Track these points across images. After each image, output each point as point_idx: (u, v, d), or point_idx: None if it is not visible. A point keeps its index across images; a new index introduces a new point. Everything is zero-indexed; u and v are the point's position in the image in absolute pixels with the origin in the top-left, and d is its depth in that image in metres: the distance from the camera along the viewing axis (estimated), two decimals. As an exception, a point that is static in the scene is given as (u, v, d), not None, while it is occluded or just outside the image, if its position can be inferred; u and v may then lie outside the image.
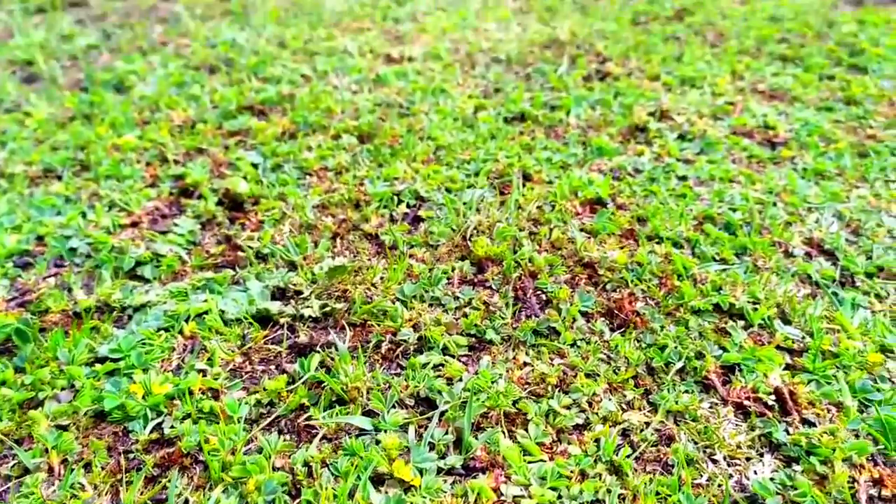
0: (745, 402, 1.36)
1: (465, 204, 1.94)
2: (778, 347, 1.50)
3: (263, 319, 1.56)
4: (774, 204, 2.01)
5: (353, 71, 2.79)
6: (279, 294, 1.64)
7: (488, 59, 2.93)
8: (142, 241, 1.82)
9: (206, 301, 1.57)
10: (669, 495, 1.16)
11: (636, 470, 1.21)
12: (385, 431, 1.26)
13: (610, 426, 1.29)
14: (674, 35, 3.17)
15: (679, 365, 1.43)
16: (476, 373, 1.40)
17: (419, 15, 3.39)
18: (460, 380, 1.38)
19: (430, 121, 2.40)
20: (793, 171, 2.18)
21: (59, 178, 2.14)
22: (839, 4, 3.64)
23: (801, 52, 3.01)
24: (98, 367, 1.42)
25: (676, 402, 1.33)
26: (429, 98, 2.58)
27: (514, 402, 1.32)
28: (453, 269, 1.69)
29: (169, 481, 1.18)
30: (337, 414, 1.30)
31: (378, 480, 1.18)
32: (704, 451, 1.26)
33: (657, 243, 1.81)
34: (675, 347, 1.47)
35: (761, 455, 1.27)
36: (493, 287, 1.65)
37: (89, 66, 2.87)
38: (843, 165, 2.23)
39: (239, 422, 1.29)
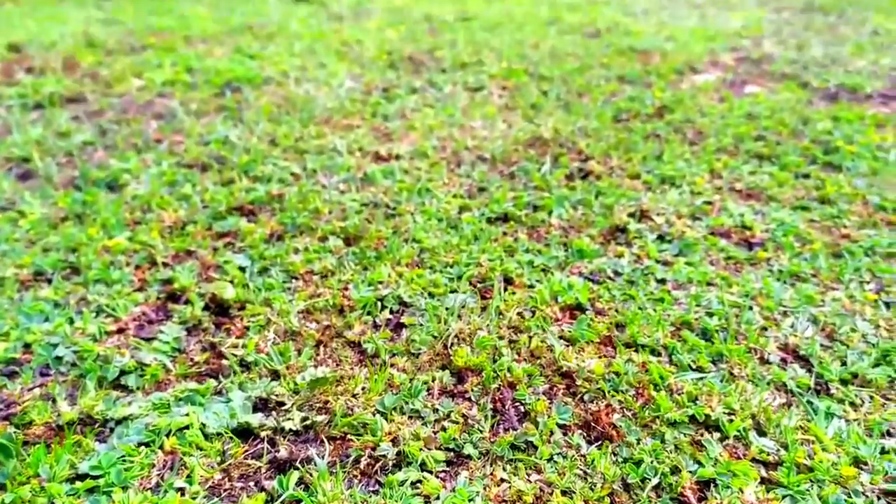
0: (720, 522, 1.37)
1: (447, 310, 1.98)
2: (753, 461, 1.51)
3: (244, 433, 1.57)
4: (750, 308, 2.05)
5: (342, 169, 2.87)
6: (261, 405, 1.66)
7: (474, 157, 3.01)
8: (127, 350, 1.84)
9: (187, 415, 1.59)
10: None
11: None
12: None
13: (585, 549, 1.30)
14: (654, 132, 3.27)
15: (655, 481, 1.44)
16: (453, 489, 1.41)
17: (408, 111, 3.50)
18: (437, 498, 1.39)
19: (415, 222, 2.46)
20: (769, 274, 2.24)
21: (49, 281, 2.17)
22: (814, 100, 3.77)
23: (777, 149, 3.10)
24: (79, 484, 1.42)
25: (651, 523, 1.34)
26: (414, 198, 2.64)
27: (490, 524, 1.33)
28: (433, 380, 1.71)
29: None
30: (313, 536, 1.30)
31: None
32: (679, 576, 1.27)
33: (635, 351, 1.84)
34: (651, 462, 1.48)
35: (735, 579, 1.27)
36: (473, 398, 1.67)
37: (84, 164, 2.95)
38: (818, 266, 2.29)
39: (215, 545, 1.29)
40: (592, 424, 1.58)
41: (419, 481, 1.43)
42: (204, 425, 1.57)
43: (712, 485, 1.45)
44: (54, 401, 1.67)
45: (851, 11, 5.43)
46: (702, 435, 1.57)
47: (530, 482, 1.43)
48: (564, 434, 1.57)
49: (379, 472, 1.46)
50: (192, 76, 3.97)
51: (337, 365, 1.78)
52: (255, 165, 2.90)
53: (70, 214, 2.55)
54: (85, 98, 3.69)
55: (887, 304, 2.13)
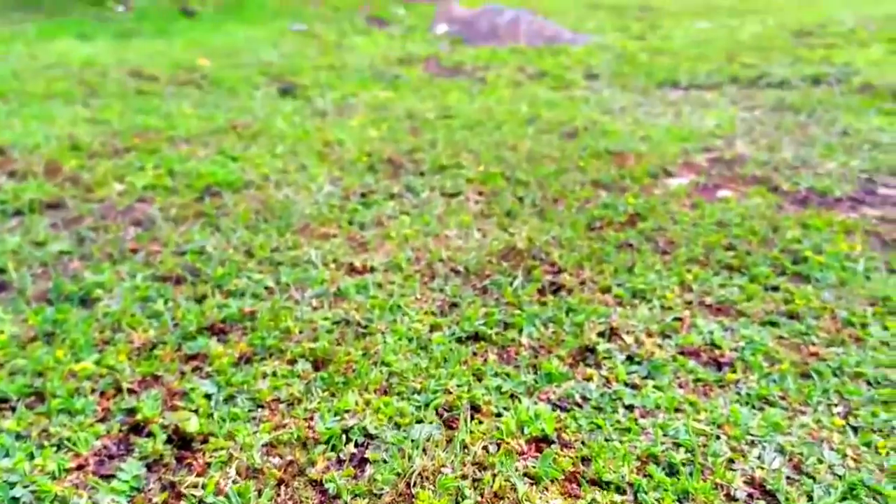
0: None
1: (412, 442, 1.96)
2: None
3: (198, 587, 1.54)
4: (717, 437, 2.05)
5: (315, 283, 2.88)
6: (217, 553, 1.63)
7: (448, 270, 3.04)
8: (84, 491, 1.81)
9: (140, 568, 1.56)
10: None
11: None
12: None
13: None
14: (627, 242, 3.32)
15: None
16: None
17: (384, 218, 3.55)
18: None
19: (386, 342, 2.47)
20: (737, 398, 2.24)
21: (13, 409, 2.15)
22: (784, 205, 3.84)
23: (747, 260, 3.15)
24: None
25: None
26: (386, 315, 2.66)
27: None
28: (394, 525, 1.69)
29: None
30: None
31: None
32: None
33: (600, 489, 1.83)
34: None
35: None
36: (433, 547, 1.64)
37: (58, 277, 2.95)
38: (787, 388, 2.30)
39: None
40: (554, 576, 1.56)
41: None
42: (156, 580, 1.53)
43: None
44: (5, 550, 1.64)
45: (821, 110, 5.60)
46: (665, 587, 1.55)
47: None
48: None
49: None
50: (174, 179, 4.02)
51: (297, 507, 1.75)
52: (229, 279, 2.91)
53: (40, 334, 2.54)
54: (65, 204, 3.72)
55: (854, 429, 2.13)
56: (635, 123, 5.33)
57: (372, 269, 3.04)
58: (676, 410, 2.17)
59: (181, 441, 2.00)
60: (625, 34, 9.43)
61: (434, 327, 2.59)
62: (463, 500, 1.76)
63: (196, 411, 2.11)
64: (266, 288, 2.87)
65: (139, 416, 2.08)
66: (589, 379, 2.31)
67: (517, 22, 8.54)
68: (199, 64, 7.00)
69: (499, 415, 2.12)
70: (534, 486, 1.82)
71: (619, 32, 9.57)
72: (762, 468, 1.93)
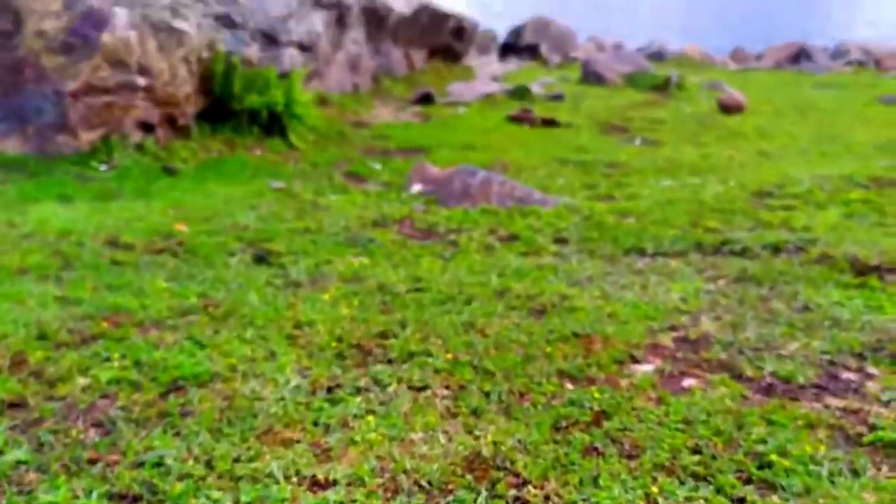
0: None
1: None
2: None
3: None
4: None
5: (275, 503, 2.83)
6: None
7: (411, 483, 3.00)
8: None
9: None
10: None
11: None
12: None
13: None
14: (592, 445, 3.31)
15: None
16: None
17: (350, 418, 3.52)
18: None
19: (343, 581, 2.40)
20: None
21: None
22: (749, 395, 3.88)
23: (713, 465, 3.14)
24: None
25: None
26: (346, 543, 2.60)
27: None
28: None
29: None
30: None
31: None
32: None
33: None
34: None
35: None
36: None
37: (11, 497, 2.88)
38: None
39: None
40: None
41: None
42: None
43: None
44: None
45: (782, 282, 5.75)
46: None
47: None
48: None
49: None
50: (140, 371, 4.00)
51: None
52: (186, 499, 2.85)
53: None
54: (27, 403, 3.67)
55: None
56: (603, 297, 5.43)
57: (335, 483, 3.00)
58: None
59: None
60: (593, 192, 9.78)
61: (394, 560, 2.53)
62: None
63: None
64: (224, 509, 2.81)
65: None
66: None
67: (489, 183, 8.85)
68: (177, 229, 7.12)
69: None
70: None
71: (587, 190, 9.93)
72: None
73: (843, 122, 16.28)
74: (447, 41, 20.02)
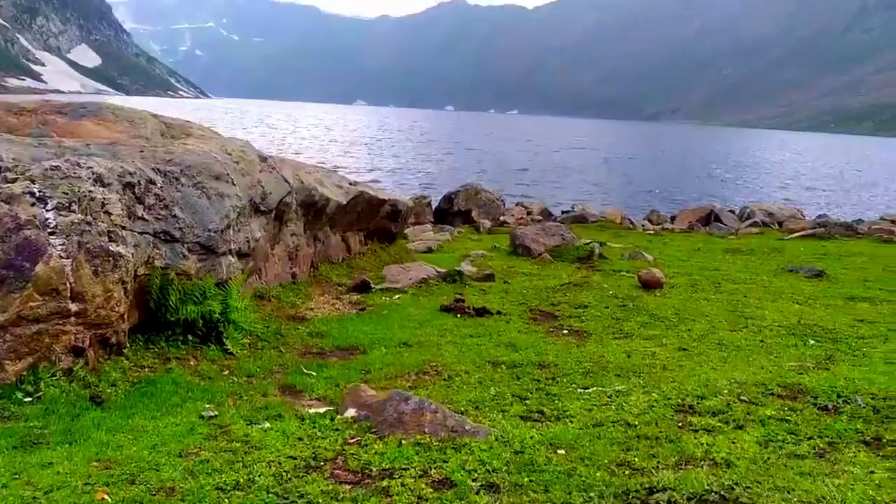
0: None
1: None
2: None
3: None
4: None
5: None
6: None
7: None
8: None
9: None
10: None
11: None
12: None
13: None
14: None
15: None
16: None
17: None
18: None
19: None
20: None
21: None
22: None
23: None
24: None
25: None
26: None
27: None
28: None
29: None
30: None
31: None
32: None
33: None
34: None
35: None
36: None
37: None
38: None
39: None
40: None
41: None
42: None
43: None
44: None
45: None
46: None
47: None
48: None
49: None
50: None
51: None
52: None
53: None
54: None
55: None
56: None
57: None
58: None
59: None
60: (524, 407, 10.05)
61: None
62: None
63: None
64: None
65: None
66: None
67: (421, 412, 9.05)
68: (98, 499, 6.97)
69: None
70: None
71: (519, 403, 10.20)
72: None
73: (755, 298, 17.25)
74: (383, 224, 20.76)
